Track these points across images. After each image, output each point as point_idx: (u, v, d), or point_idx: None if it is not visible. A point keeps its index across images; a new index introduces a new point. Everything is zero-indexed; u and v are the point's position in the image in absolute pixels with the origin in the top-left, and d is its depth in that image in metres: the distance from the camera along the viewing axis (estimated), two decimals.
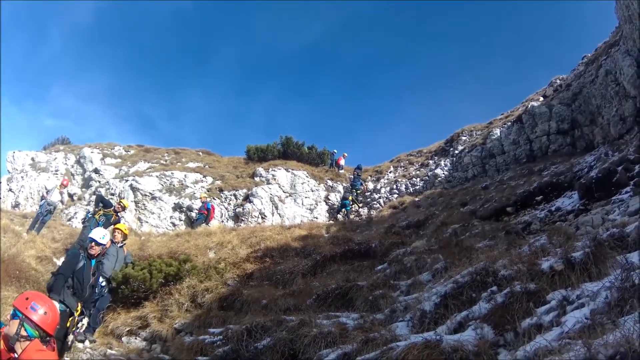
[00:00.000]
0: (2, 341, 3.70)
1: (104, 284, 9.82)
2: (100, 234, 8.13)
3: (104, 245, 8.32)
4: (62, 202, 18.81)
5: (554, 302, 3.97)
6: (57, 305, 6.96)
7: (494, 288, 4.95)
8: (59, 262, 12.22)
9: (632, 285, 3.34)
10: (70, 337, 7.43)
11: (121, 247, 10.75)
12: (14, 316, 3.70)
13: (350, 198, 25.25)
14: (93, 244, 7.96)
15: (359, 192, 26.63)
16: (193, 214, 22.99)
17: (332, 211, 25.66)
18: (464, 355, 3.62)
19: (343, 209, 24.71)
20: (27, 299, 3.77)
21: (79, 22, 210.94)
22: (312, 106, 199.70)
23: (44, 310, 3.76)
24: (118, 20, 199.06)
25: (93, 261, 7.89)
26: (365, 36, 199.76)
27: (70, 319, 7.25)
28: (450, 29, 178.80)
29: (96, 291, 8.86)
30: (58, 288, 7.21)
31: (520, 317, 3.98)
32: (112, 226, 12.14)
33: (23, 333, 3.65)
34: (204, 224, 19.93)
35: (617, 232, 5.02)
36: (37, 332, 3.71)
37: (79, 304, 7.56)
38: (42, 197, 18.18)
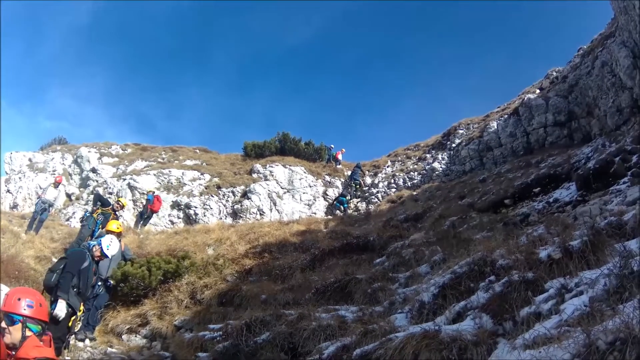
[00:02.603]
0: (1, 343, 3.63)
1: (99, 283, 9.81)
2: (107, 243, 8.12)
3: (107, 257, 8.31)
4: (56, 199, 18.71)
5: (552, 291, 3.96)
6: (64, 306, 6.99)
7: (492, 278, 4.93)
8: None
9: (630, 272, 3.34)
10: (70, 337, 7.44)
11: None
12: (12, 322, 3.61)
13: (347, 197, 25.16)
14: (99, 249, 7.97)
15: (357, 185, 26.61)
16: (191, 212, 23.01)
17: (332, 207, 25.58)
18: (462, 345, 3.61)
19: (341, 206, 24.59)
20: (19, 299, 3.67)
21: (75, 23, 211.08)
22: (310, 103, 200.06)
23: (38, 303, 3.72)
24: (115, 20, 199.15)
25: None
26: (362, 32, 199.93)
27: (72, 318, 7.25)
28: (447, 23, 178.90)
29: (94, 290, 8.86)
30: (66, 287, 7.18)
31: (519, 306, 3.97)
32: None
33: (28, 333, 3.59)
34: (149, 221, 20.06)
35: (615, 221, 5.02)
36: (39, 327, 3.67)
37: (81, 304, 7.57)
38: (38, 197, 18.16)
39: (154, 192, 21.20)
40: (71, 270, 7.33)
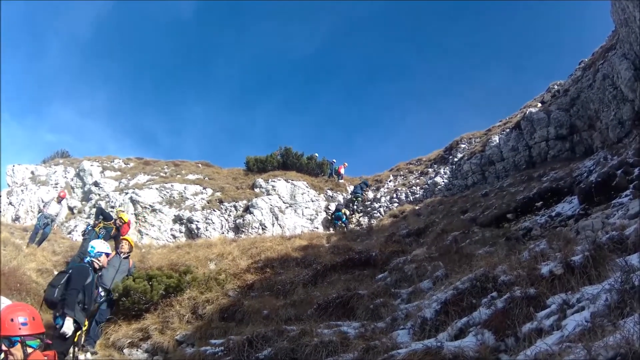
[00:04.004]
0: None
1: (102, 294, 9.83)
2: (105, 245, 8.24)
3: (110, 254, 8.40)
4: (58, 214, 18.58)
5: (554, 306, 3.96)
6: (71, 323, 7.00)
7: (494, 294, 4.93)
8: None
9: (631, 287, 3.33)
10: (71, 351, 7.43)
11: (126, 258, 10.84)
12: (12, 343, 3.61)
13: (342, 210, 24.96)
14: (104, 255, 8.10)
15: (359, 199, 26.57)
16: (193, 226, 23.00)
17: (330, 223, 25.43)
18: None
19: (340, 222, 24.41)
20: (12, 320, 3.66)
21: (77, 37, 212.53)
22: (312, 118, 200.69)
23: (31, 317, 3.72)
24: (117, 34, 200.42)
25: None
26: (364, 47, 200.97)
27: (77, 333, 7.26)
28: (449, 38, 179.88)
29: (96, 302, 8.86)
30: (73, 304, 7.20)
31: (521, 322, 3.96)
32: (120, 238, 12.21)
33: (29, 350, 3.60)
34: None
35: (616, 235, 5.01)
36: (37, 341, 3.67)
37: (86, 319, 7.58)
38: (40, 210, 18.12)
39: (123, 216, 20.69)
40: (76, 287, 7.35)
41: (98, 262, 8.14)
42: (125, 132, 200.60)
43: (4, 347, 3.61)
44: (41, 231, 16.83)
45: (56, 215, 18.07)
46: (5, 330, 3.64)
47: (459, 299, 5.42)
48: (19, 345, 3.58)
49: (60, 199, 18.34)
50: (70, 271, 7.64)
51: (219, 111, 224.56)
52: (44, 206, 18.24)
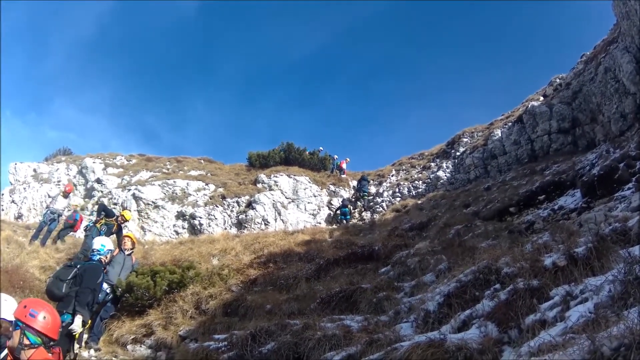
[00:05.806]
0: (8, 352, 3.70)
1: (108, 290, 9.86)
2: (109, 242, 8.32)
3: (112, 250, 8.43)
4: (66, 208, 18.45)
5: (557, 298, 3.95)
6: (81, 322, 7.03)
7: (497, 286, 4.93)
8: None
9: (635, 278, 3.32)
10: (76, 347, 7.44)
11: (129, 255, 10.84)
12: (15, 326, 3.69)
13: (349, 207, 24.94)
14: (110, 252, 8.20)
15: (365, 197, 26.55)
16: (196, 222, 23.02)
17: (334, 218, 25.35)
18: (468, 354, 3.60)
19: (343, 218, 24.36)
20: (25, 307, 3.76)
21: (80, 34, 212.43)
22: (315, 114, 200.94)
23: (43, 315, 3.75)
24: (120, 33, 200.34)
25: None
26: (367, 44, 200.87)
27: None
28: (451, 33, 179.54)
29: (99, 298, 8.87)
30: (84, 303, 7.21)
31: (524, 314, 3.95)
32: (122, 234, 12.19)
33: (26, 342, 3.63)
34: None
35: (619, 227, 5.00)
36: (39, 339, 3.69)
37: (90, 319, 7.61)
38: (47, 206, 18.00)
39: (79, 211, 19.64)
40: (91, 286, 7.37)
41: (105, 260, 8.20)
42: (128, 129, 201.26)
43: (11, 329, 3.73)
44: (46, 227, 16.76)
45: (63, 210, 17.94)
46: (16, 312, 3.81)
47: (462, 292, 5.41)
48: (18, 331, 3.65)
49: (66, 194, 18.22)
50: (78, 267, 7.62)
51: (222, 107, 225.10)
52: (50, 202, 18.14)
